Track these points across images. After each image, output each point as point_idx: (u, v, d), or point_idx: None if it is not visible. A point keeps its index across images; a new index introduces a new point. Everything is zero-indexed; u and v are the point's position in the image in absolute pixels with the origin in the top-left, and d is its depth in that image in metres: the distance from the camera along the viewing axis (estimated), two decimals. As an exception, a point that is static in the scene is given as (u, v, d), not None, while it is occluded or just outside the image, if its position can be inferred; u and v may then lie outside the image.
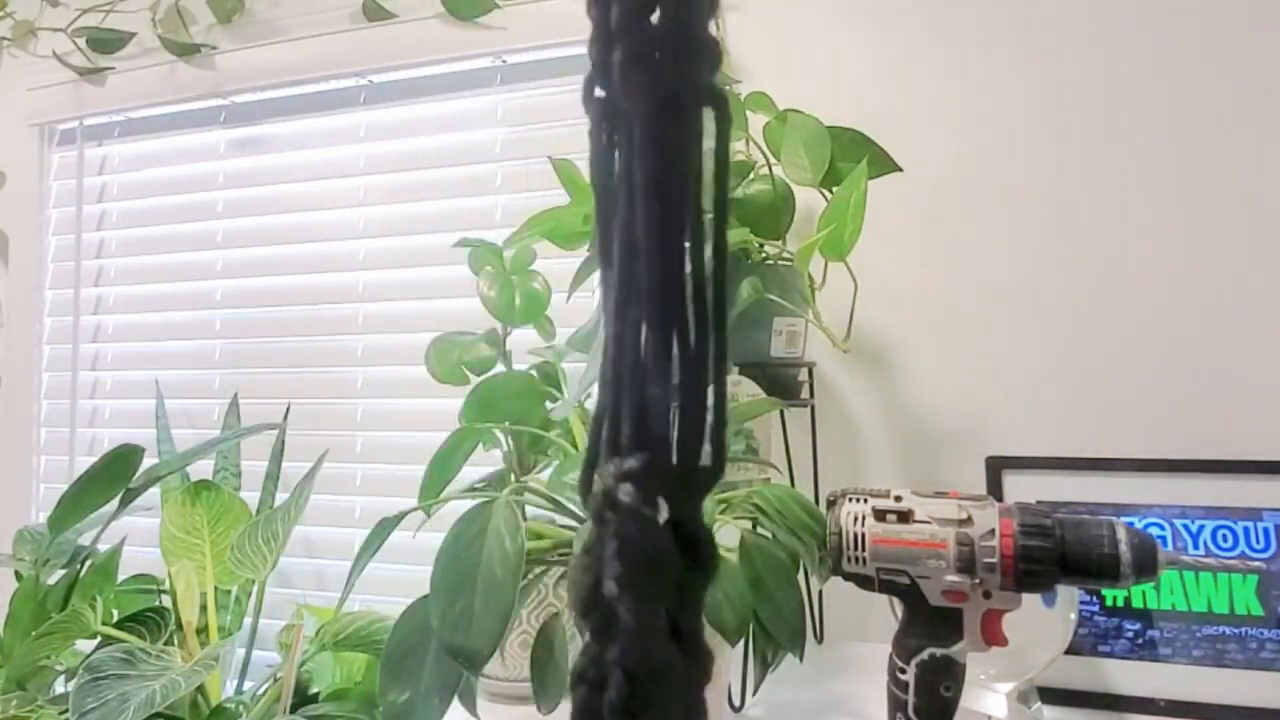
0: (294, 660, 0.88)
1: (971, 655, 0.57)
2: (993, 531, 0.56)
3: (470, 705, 0.60)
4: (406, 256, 1.25)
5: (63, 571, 1.05)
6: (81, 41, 1.39)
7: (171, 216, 1.40)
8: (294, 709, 0.90)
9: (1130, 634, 0.76)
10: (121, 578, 1.12)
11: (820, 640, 0.94)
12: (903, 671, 0.58)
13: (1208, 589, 0.75)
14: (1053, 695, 0.74)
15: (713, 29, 0.20)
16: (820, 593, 0.96)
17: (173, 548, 1.03)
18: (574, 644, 0.76)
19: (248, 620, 1.07)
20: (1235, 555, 0.75)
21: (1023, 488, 0.82)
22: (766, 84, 1.05)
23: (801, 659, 0.60)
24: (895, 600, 0.60)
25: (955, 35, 1.00)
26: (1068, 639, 0.69)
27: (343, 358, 1.28)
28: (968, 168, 0.98)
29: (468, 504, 0.58)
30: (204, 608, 1.02)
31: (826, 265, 0.82)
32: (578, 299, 1.05)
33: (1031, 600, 0.58)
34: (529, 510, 0.71)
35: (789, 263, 0.84)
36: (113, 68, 1.39)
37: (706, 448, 0.19)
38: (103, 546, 1.10)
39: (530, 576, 0.72)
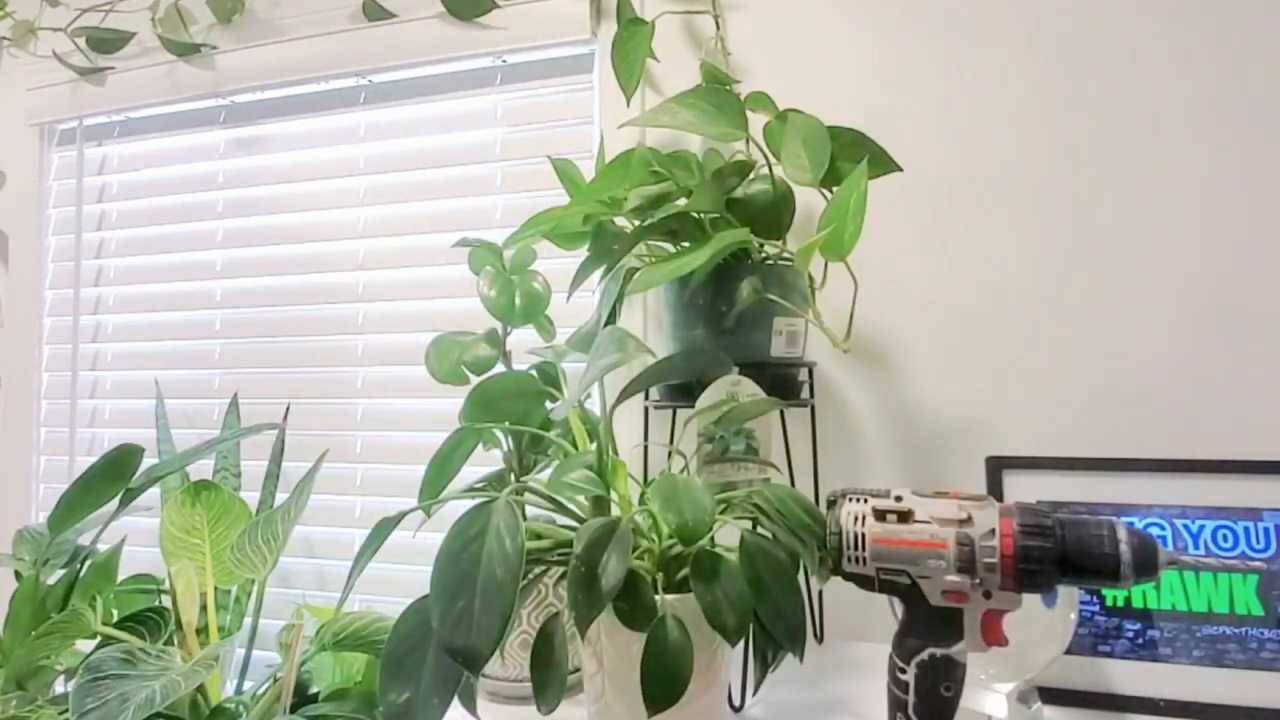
0: (294, 660, 0.88)
1: (971, 655, 0.57)
2: (993, 531, 0.56)
3: (470, 705, 0.60)
4: (406, 256, 1.26)
5: (63, 571, 1.05)
6: (81, 41, 1.39)
7: (171, 216, 1.40)
8: (294, 709, 0.90)
9: (1130, 634, 0.76)
10: (121, 578, 1.12)
11: (820, 640, 0.94)
12: (903, 671, 0.58)
13: (1208, 589, 0.75)
14: (1053, 695, 0.74)
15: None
16: (820, 593, 0.96)
17: (173, 548, 1.03)
18: (574, 644, 0.76)
19: (248, 620, 1.07)
20: (1235, 555, 0.75)
21: (1023, 488, 0.82)
22: (766, 84, 1.05)
23: (801, 659, 0.60)
24: (895, 600, 0.60)
25: (956, 34, 1.00)
26: (1068, 639, 0.69)
27: (343, 358, 1.28)
28: (968, 167, 0.98)
29: (468, 504, 0.57)
30: (204, 608, 1.02)
31: (826, 265, 0.82)
32: (578, 299, 1.05)
33: (1031, 600, 0.58)
34: (529, 510, 0.71)
35: (789, 263, 0.84)
36: (112, 68, 1.39)
37: None
38: (103, 546, 1.10)
39: (530, 576, 0.72)
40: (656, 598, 0.59)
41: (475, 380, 0.84)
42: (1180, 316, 0.90)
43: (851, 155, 0.79)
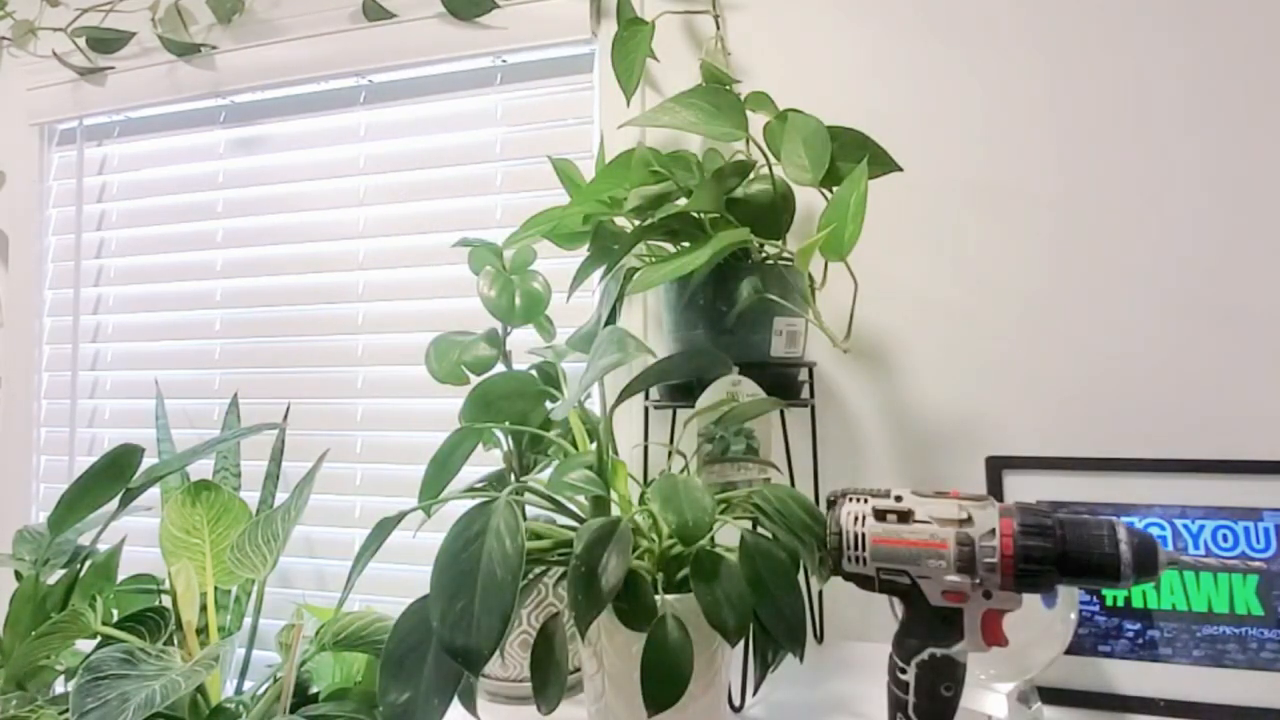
0: (294, 660, 0.88)
1: (971, 655, 0.57)
2: (993, 531, 0.56)
3: (470, 705, 0.60)
4: (406, 256, 1.26)
5: (63, 571, 1.05)
6: (81, 41, 1.39)
7: (171, 216, 1.40)
8: (294, 709, 0.90)
9: (1130, 634, 0.76)
10: (121, 578, 1.12)
11: (820, 640, 0.94)
12: (903, 671, 0.58)
13: (1208, 589, 0.75)
14: (1053, 695, 0.74)
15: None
16: (820, 593, 0.96)
17: (173, 548, 1.03)
18: (574, 644, 0.76)
19: (248, 620, 1.07)
20: (1235, 555, 0.75)
21: (1023, 488, 0.82)
22: (766, 84, 1.05)
23: (801, 659, 0.60)
24: (895, 600, 0.60)
25: (956, 34, 1.00)
26: (1068, 639, 0.69)
27: (343, 358, 1.28)
28: (968, 167, 0.98)
29: (468, 504, 0.58)
30: (204, 608, 1.02)
31: (826, 265, 0.82)
32: (578, 299, 1.05)
33: (1031, 600, 0.58)
34: (529, 510, 0.71)
35: (789, 263, 0.84)
36: (113, 67, 1.39)
37: None
38: (103, 546, 1.10)
39: (530, 576, 0.72)
40: (656, 598, 0.59)
41: (475, 380, 0.84)
42: (1180, 316, 0.90)
43: (851, 155, 0.79)
